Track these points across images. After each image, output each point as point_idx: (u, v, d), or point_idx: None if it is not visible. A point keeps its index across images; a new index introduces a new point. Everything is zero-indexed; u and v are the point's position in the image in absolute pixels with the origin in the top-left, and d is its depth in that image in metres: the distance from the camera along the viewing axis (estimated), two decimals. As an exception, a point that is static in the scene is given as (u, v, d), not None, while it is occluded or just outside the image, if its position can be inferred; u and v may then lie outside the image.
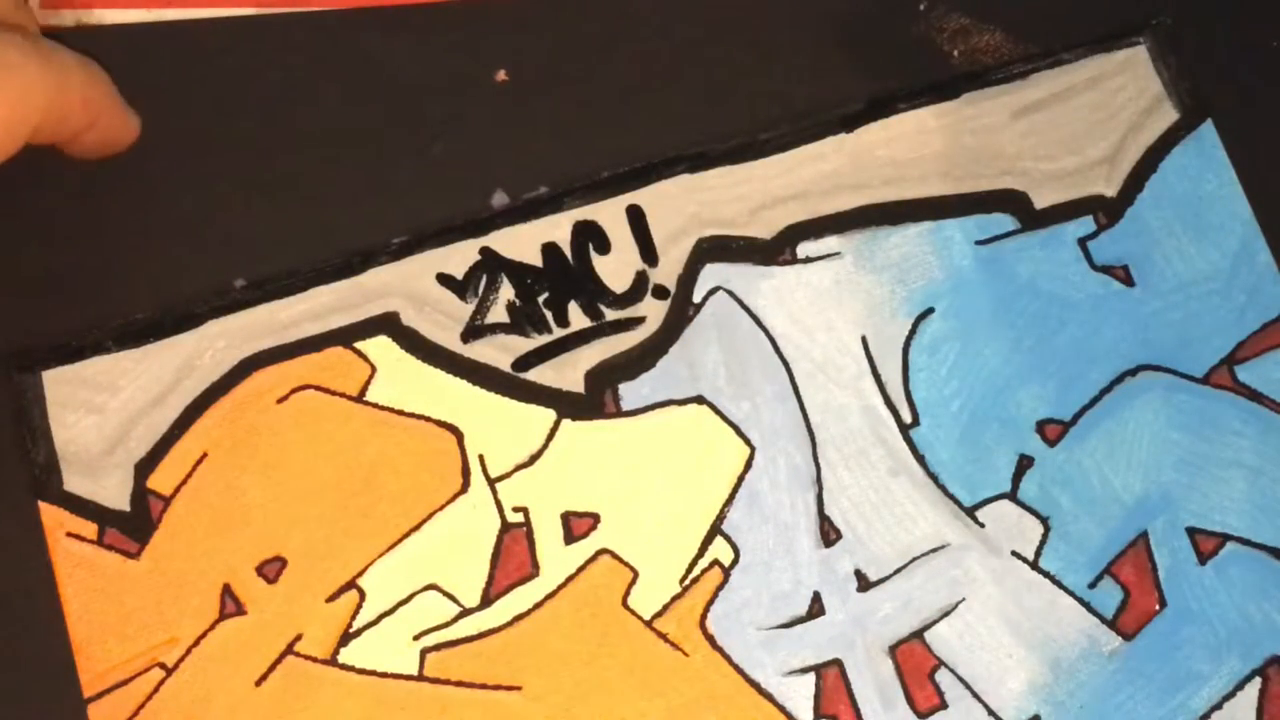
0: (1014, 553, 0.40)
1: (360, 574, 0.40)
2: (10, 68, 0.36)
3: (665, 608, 0.40)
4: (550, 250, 0.42)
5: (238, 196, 0.42)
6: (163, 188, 0.42)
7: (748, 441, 0.41)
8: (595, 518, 0.40)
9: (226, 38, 0.43)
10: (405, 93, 0.43)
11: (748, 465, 0.41)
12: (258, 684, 0.39)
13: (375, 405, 0.41)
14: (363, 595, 0.39)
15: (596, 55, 0.43)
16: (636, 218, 0.42)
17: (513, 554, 0.40)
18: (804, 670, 0.39)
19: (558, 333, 0.41)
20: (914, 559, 0.40)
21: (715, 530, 0.40)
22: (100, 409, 0.40)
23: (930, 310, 0.42)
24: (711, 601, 0.40)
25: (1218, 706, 0.40)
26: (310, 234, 0.42)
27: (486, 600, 0.40)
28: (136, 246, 0.41)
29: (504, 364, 0.41)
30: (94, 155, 0.40)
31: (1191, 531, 0.41)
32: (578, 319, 0.41)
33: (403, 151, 0.42)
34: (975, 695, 0.39)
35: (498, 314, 0.41)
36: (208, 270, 0.41)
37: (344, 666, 0.39)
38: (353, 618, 0.39)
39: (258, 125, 0.42)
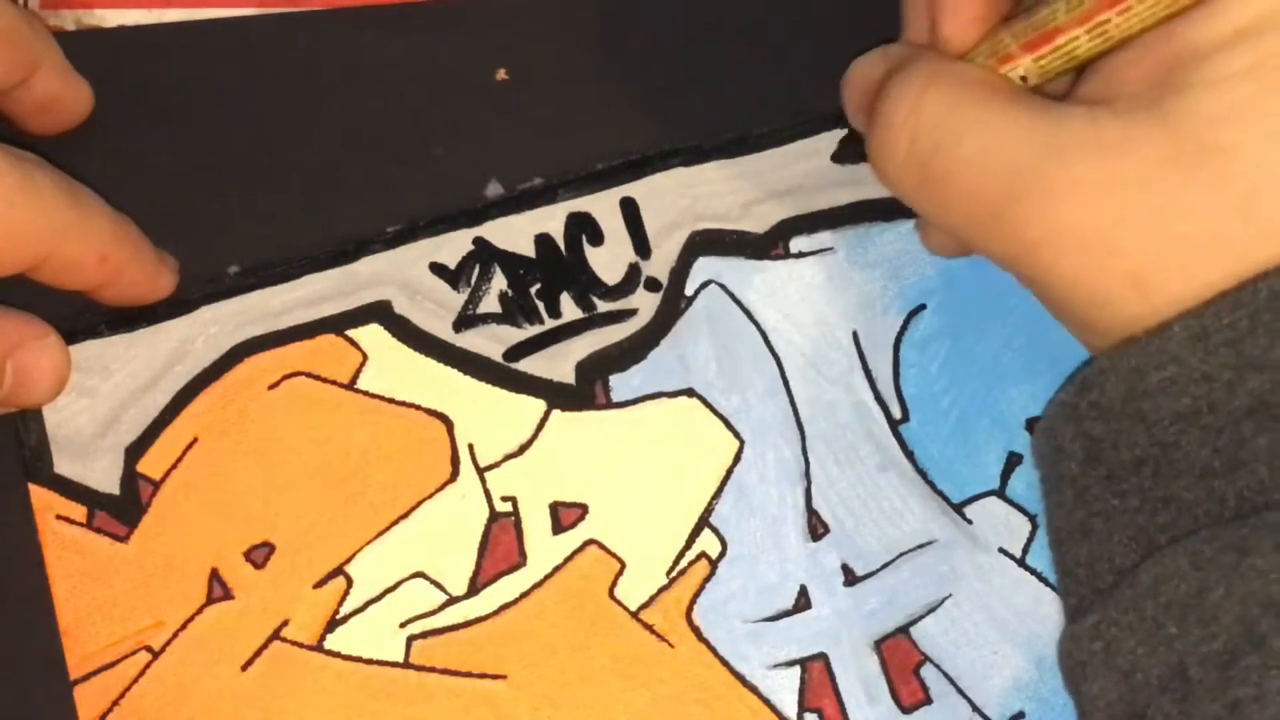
0: (1001, 550, 0.40)
1: (348, 561, 0.40)
2: (27, 192, 0.36)
3: (652, 599, 0.40)
4: (543, 241, 0.42)
5: (233, 186, 0.42)
6: (159, 177, 0.42)
7: (737, 435, 0.41)
8: (584, 508, 0.40)
9: (226, 38, 0.43)
10: (405, 92, 0.43)
11: (737, 458, 0.41)
12: (244, 669, 0.39)
13: (366, 393, 0.41)
14: (350, 582, 0.40)
15: (595, 51, 0.43)
16: (630, 210, 0.42)
17: (500, 543, 0.40)
18: (789, 663, 0.39)
19: (549, 323, 0.41)
20: (901, 554, 0.40)
21: (703, 522, 0.40)
22: (92, 392, 0.40)
23: (922, 307, 0.42)
24: (698, 593, 0.40)
25: (1203, 706, 0.40)
26: (304, 222, 0.42)
27: (474, 589, 0.40)
28: (131, 233, 0.41)
29: (495, 354, 0.41)
30: (119, 305, 0.40)
31: (1180, 531, 0.41)
32: (569, 310, 0.42)
33: (400, 147, 0.42)
34: (960, 691, 0.39)
35: (490, 304, 0.41)
36: (202, 256, 0.41)
37: (330, 653, 0.39)
38: (340, 604, 0.39)
39: (256, 121, 0.42)
